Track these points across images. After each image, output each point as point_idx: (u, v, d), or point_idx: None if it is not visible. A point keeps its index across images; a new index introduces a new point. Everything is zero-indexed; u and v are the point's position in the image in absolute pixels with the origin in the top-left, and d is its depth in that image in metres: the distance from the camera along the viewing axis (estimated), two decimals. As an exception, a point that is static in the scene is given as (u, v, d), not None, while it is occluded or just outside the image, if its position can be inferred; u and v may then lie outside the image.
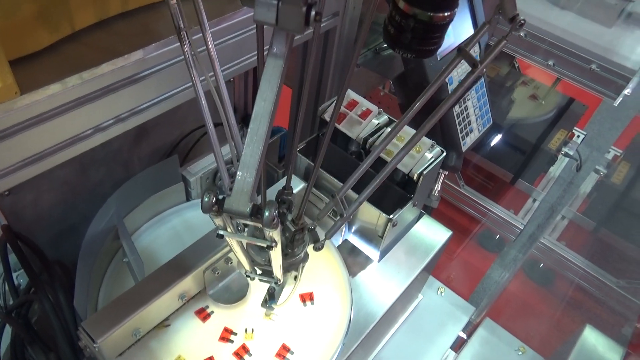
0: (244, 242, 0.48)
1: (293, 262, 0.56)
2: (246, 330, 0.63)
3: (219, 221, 0.41)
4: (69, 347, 0.62)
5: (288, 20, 0.31)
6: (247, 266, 0.53)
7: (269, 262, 0.51)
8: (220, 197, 0.38)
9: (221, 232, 0.42)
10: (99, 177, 0.76)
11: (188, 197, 0.76)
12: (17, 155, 0.50)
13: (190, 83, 0.62)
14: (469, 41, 0.42)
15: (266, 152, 0.37)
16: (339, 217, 0.57)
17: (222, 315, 0.63)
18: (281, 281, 0.56)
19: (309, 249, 0.57)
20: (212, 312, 0.64)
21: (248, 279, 0.59)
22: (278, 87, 0.35)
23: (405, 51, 0.39)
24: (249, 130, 0.36)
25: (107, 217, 0.67)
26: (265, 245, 0.42)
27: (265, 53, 0.36)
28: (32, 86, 0.47)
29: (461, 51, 0.40)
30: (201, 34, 0.48)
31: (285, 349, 0.62)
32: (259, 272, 0.55)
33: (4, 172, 0.50)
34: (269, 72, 0.34)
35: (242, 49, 0.67)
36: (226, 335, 0.62)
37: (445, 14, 0.37)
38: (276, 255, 0.47)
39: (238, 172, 0.37)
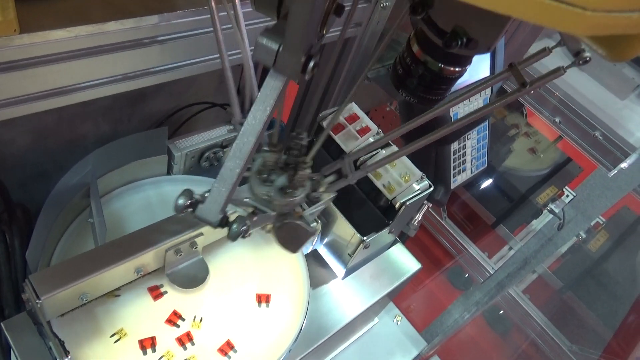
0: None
1: (289, 203, 0.52)
2: (194, 318, 0.62)
3: None
4: (13, 295, 0.60)
5: (285, 67, 0.31)
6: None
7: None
8: (194, 200, 0.39)
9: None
10: (84, 130, 0.74)
11: (169, 171, 0.75)
12: (5, 92, 0.48)
13: (194, 59, 0.61)
14: (524, 60, 0.40)
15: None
16: (342, 178, 0.55)
17: (174, 298, 0.62)
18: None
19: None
20: (166, 292, 0.62)
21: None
22: (271, 109, 0.34)
23: (408, 95, 0.38)
24: (234, 144, 0.36)
25: (82, 174, 0.65)
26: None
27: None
28: (33, 28, 0.46)
29: (512, 67, 0.38)
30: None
31: (229, 345, 0.61)
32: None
33: (-11, 107, 0.48)
34: (265, 93, 0.34)
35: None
36: (174, 318, 0.61)
37: (456, 69, 0.36)
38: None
39: (214, 183, 0.38)
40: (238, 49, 0.64)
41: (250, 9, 0.36)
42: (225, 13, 0.46)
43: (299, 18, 0.28)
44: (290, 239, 0.49)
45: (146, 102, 0.79)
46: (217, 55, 0.51)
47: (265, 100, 0.34)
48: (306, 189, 0.51)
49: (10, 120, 0.61)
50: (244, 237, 0.41)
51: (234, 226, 0.39)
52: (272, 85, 0.33)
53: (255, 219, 0.45)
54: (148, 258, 0.60)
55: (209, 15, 0.46)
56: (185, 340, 0.60)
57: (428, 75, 0.36)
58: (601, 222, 1.82)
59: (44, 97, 0.51)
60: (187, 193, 0.39)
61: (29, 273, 0.56)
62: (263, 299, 0.66)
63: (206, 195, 0.39)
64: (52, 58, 0.49)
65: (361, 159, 0.70)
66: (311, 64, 0.31)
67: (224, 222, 0.39)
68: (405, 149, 0.49)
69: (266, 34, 0.31)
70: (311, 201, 0.53)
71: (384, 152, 0.70)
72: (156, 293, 0.62)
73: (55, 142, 0.72)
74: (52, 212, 0.63)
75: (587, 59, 0.35)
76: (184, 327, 0.61)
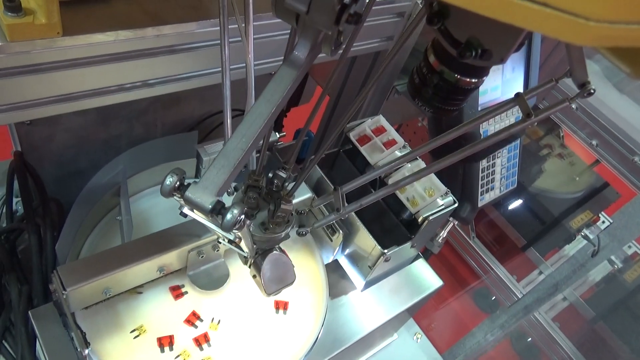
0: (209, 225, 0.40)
1: (271, 239, 0.50)
2: (212, 319, 0.62)
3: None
4: (42, 285, 0.63)
5: (319, 12, 0.28)
6: (217, 233, 0.47)
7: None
8: (186, 182, 0.33)
9: (186, 211, 0.36)
10: (119, 131, 0.77)
11: (197, 174, 0.77)
12: (47, 90, 0.51)
13: (230, 66, 0.63)
14: (529, 91, 0.40)
15: (286, 153, 0.34)
16: (333, 213, 0.54)
17: (194, 299, 0.63)
18: (252, 256, 0.51)
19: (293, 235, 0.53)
20: (186, 292, 0.64)
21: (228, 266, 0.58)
22: (284, 95, 0.33)
23: (424, 105, 0.38)
24: (242, 121, 0.33)
25: (114, 172, 0.67)
26: (227, 240, 0.40)
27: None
28: (75, 31, 0.48)
29: (518, 97, 0.39)
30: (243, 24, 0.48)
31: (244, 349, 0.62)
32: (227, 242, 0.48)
33: (32, 104, 0.51)
34: (279, 77, 0.32)
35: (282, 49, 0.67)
36: (192, 319, 0.62)
37: (473, 80, 0.36)
38: (245, 236, 0.43)
39: (214, 161, 0.32)
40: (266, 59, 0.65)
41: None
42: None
43: None
44: (273, 278, 0.46)
45: (179, 107, 0.82)
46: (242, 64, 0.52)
47: (280, 83, 0.32)
48: (291, 224, 0.48)
49: (51, 118, 0.64)
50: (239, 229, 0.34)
51: (229, 215, 0.32)
52: (288, 71, 0.32)
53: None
54: (171, 258, 0.61)
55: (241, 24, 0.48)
56: (202, 340, 0.61)
57: (444, 85, 0.36)
58: (639, 252, 1.74)
59: (82, 97, 0.54)
60: (178, 172, 0.33)
61: (58, 265, 0.59)
62: (281, 305, 0.67)
63: (196, 181, 0.33)
64: (92, 60, 0.51)
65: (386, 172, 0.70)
66: (345, 15, 0.29)
67: (217, 208, 0.32)
68: (429, 168, 0.49)
69: None
70: (298, 235, 0.51)
71: (409, 165, 0.70)
72: (177, 292, 0.63)
73: (91, 141, 0.75)
74: (84, 208, 0.65)
75: (592, 91, 0.36)
76: (202, 327, 0.62)
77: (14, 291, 0.63)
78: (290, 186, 0.50)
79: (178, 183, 0.33)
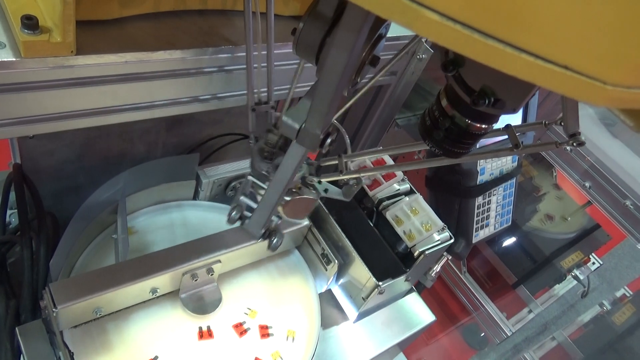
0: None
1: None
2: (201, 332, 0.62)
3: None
4: (32, 301, 0.62)
5: (305, 141, 0.37)
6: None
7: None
8: (245, 213, 0.51)
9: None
10: (120, 149, 0.77)
11: (195, 197, 0.77)
12: (55, 107, 0.51)
13: (230, 93, 0.64)
14: (520, 126, 0.42)
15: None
16: (336, 173, 0.57)
17: (185, 321, 0.62)
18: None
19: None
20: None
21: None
22: (294, 170, 0.42)
23: (434, 146, 0.39)
24: (273, 179, 0.45)
25: (113, 190, 0.67)
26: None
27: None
28: (88, 50, 0.49)
29: (508, 128, 0.40)
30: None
31: (233, 377, 0.61)
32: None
33: (39, 119, 0.51)
34: (289, 156, 0.41)
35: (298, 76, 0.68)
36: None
37: (483, 125, 0.37)
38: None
39: (256, 209, 0.49)
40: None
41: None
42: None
43: (319, 106, 0.34)
44: (297, 212, 0.53)
45: (181, 128, 0.82)
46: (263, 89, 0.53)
47: (290, 163, 0.41)
48: (303, 170, 0.55)
49: (54, 134, 0.64)
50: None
51: (274, 239, 0.53)
52: (295, 152, 0.40)
53: (284, 232, 0.56)
54: (164, 280, 0.61)
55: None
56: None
57: (455, 129, 0.37)
58: (628, 295, 1.75)
59: (88, 115, 0.54)
60: (239, 208, 0.50)
61: (50, 281, 0.58)
62: (265, 334, 0.66)
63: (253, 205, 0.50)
64: (101, 79, 0.51)
65: (384, 203, 0.70)
66: (328, 140, 0.38)
67: (265, 236, 0.52)
68: (407, 164, 0.50)
69: (289, 115, 0.37)
70: (305, 184, 0.56)
71: (407, 199, 0.70)
72: None
73: (92, 158, 0.75)
74: (80, 224, 0.65)
75: (582, 142, 0.38)
76: (191, 349, 0.61)
77: (1, 305, 0.62)
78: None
79: (239, 215, 0.51)
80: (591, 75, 0.15)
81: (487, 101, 0.31)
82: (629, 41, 0.15)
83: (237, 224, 0.52)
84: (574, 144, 0.38)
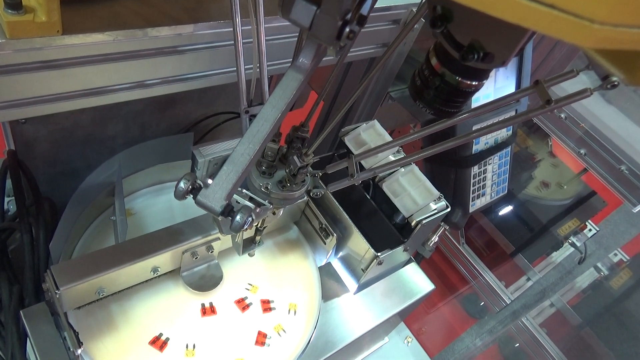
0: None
1: (287, 197, 0.51)
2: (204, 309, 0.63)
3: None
4: (34, 285, 0.62)
5: (321, 29, 0.30)
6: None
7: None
8: (198, 185, 0.37)
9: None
10: (115, 131, 0.77)
11: (192, 176, 0.77)
12: (44, 89, 0.51)
13: (223, 69, 0.63)
14: (550, 78, 0.40)
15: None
16: (347, 178, 0.54)
17: (188, 299, 0.63)
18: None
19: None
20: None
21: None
22: (290, 99, 0.34)
23: (425, 106, 0.39)
24: (249, 128, 0.35)
25: (109, 172, 0.67)
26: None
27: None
28: (75, 30, 0.48)
29: (538, 84, 0.38)
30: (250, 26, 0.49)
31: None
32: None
33: (29, 102, 0.51)
34: (285, 82, 0.34)
35: (289, 50, 0.68)
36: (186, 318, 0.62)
37: (473, 82, 0.37)
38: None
39: (223, 167, 0.35)
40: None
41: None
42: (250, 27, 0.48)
43: None
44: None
45: (175, 108, 0.82)
46: (249, 66, 0.53)
47: (286, 88, 0.34)
48: (306, 184, 0.50)
49: (46, 117, 0.64)
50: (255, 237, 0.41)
51: (238, 216, 0.36)
52: (294, 76, 0.33)
53: (258, 210, 0.42)
54: (165, 258, 0.61)
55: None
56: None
57: (445, 87, 0.37)
58: (625, 260, 1.77)
59: (79, 96, 0.54)
60: (190, 177, 0.36)
61: (51, 264, 0.58)
62: (267, 308, 0.67)
63: (209, 182, 0.36)
64: (90, 59, 0.51)
65: (380, 175, 0.71)
66: (347, 29, 0.30)
67: (227, 211, 0.36)
68: (411, 156, 0.49)
69: None
70: (311, 198, 0.53)
71: (403, 170, 0.70)
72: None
73: (86, 141, 0.75)
74: (78, 208, 0.65)
75: (616, 82, 0.34)
76: (194, 328, 0.61)
77: (4, 291, 0.62)
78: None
79: (190, 187, 0.36)
80: (577, 14, 0.15)
81: (476, 55, 0.31)
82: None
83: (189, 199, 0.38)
84: (609, 86, 0.35)
